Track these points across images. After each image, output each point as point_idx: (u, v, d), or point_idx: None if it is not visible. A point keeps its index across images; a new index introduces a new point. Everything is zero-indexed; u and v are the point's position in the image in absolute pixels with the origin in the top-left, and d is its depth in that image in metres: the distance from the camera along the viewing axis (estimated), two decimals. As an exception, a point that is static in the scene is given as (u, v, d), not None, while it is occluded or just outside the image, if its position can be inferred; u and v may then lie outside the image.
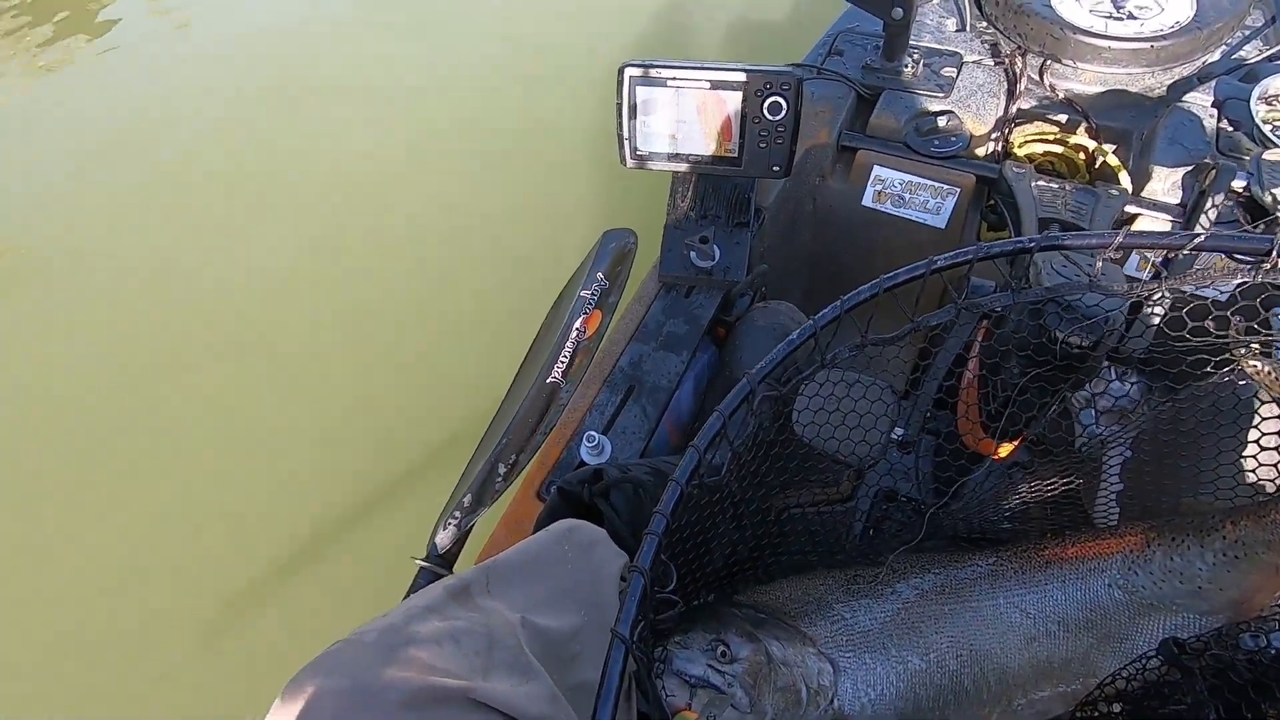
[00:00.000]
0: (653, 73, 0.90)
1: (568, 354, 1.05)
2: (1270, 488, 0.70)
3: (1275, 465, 0.68)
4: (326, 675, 0.38)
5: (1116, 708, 0.75)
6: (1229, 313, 0.67)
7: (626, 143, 0.96)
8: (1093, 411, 0.97)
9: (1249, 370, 0.68)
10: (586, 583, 0.57)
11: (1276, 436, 0.67)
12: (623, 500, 0.65)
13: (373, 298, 1.80)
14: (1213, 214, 0.84)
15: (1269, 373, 0.62)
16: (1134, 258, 1.07)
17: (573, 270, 1.21)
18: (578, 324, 1.07)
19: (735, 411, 0.67)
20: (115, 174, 2.22)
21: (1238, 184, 0.82)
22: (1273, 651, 0.63)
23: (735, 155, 0.95)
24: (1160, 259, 0.90)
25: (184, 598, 1.42)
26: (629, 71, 0.91)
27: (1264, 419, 0.69)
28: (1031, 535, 0.87)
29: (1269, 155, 0.78)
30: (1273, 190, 0.74)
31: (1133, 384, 0.92)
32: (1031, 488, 0.97)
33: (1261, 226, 0.75)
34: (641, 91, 0.92)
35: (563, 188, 1.84)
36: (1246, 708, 0.61)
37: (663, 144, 0.96)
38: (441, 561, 0.88)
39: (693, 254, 0.98)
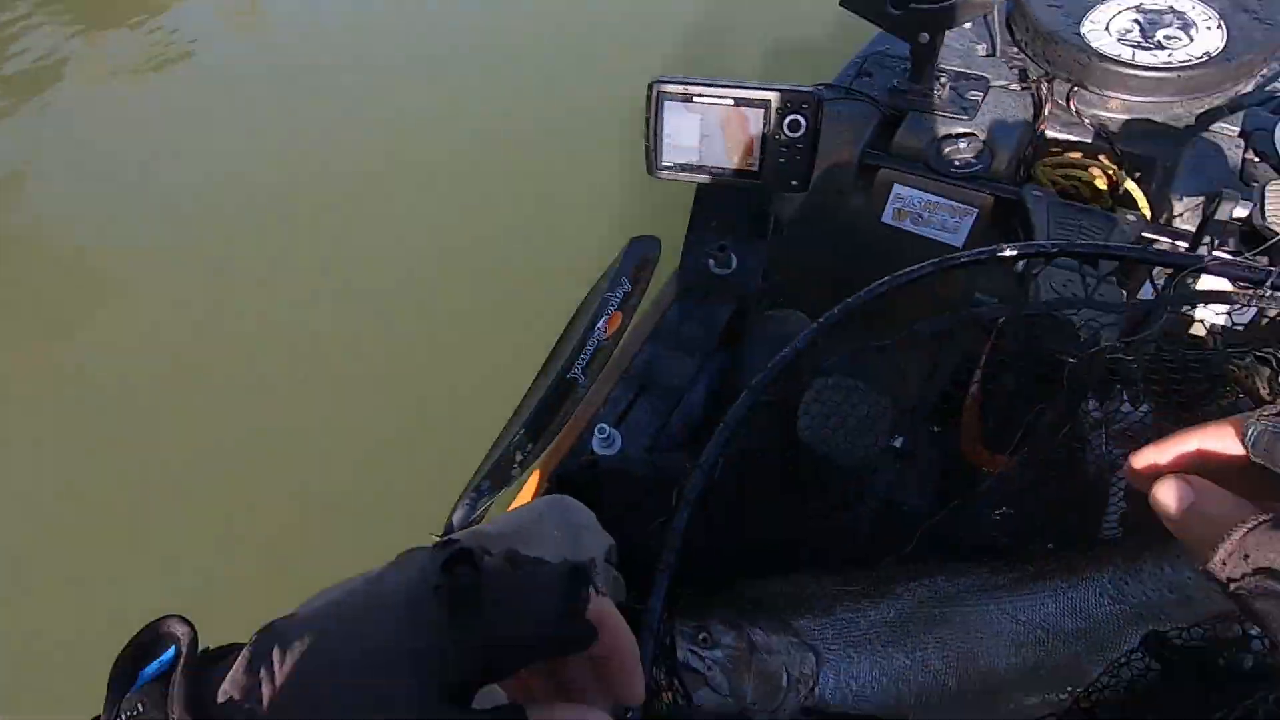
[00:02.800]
0: (681, 89, 0.96)
1: (589, 352, 1.11)
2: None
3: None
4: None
5: (1102, 710, 0.77)
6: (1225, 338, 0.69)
7: (653, 154, 1.02)
8: (1103, 433, 0.99)
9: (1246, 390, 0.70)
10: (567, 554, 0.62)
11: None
12: (617, 490, 0.70)
13: (412, 303, 1.88)
14: (1215, 241, 0.86)
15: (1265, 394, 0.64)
16: (1147, 285, 1.08)
17: (598, 275, 1.28)
18: (600, 324, 1.13)
19: (741, 422, 0.71)
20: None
21: (1240, 212, 0.84)
22: (1250, 658, 0.65)
23: (756, 169, 1.00)
24: (1163, 281, 0.92)
25: (216, 588, 1.50)
26: (659, 87, 0.96)
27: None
28: (1031, 549, 0.89)
29: (1274, 184, 0.79)
30: (1272, 218, 0.75)
31: (1145, 410, 0.94)
32: (1035, 505, 0.99)
33: (1257, 254, 0.77)
34: (669, 106, 0.98)
35: (592, 197, 1.91)
36: (1227, 700, 0.63)
37: (687, 156, 1.02)
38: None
39: (711, 262, 1.03)
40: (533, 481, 0.90)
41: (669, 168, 1.03)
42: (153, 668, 0.26)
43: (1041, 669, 0.80)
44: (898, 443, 0.88)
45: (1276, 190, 0.77)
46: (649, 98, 0.97)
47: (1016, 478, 0.97)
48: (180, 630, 0.27)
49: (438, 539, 0.89)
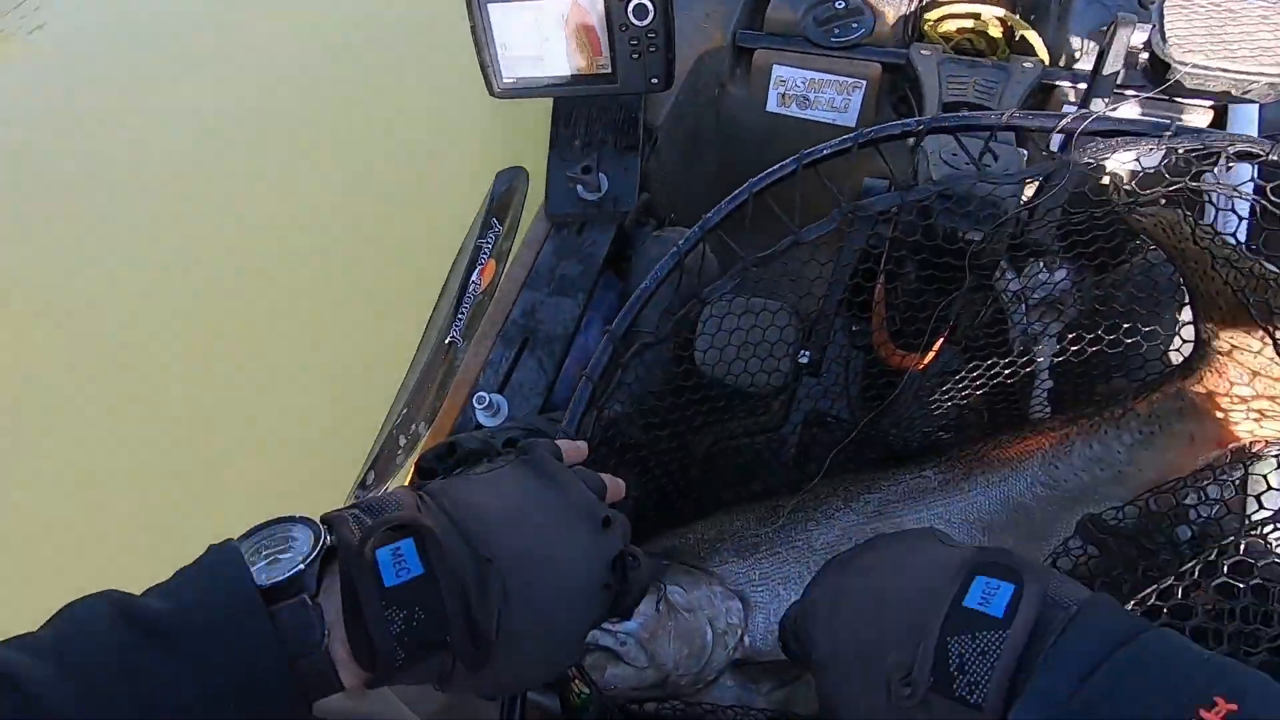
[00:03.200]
0: (501, -14, 0.81)
1: (465, 310, 0.99)
2: (1177, 358, 0.66)
3: (1181, 336, 0.64)
4: None
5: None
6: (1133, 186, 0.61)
7: (490, 69, 0.87)
8: (1023, 307, 0.92)
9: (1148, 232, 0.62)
10: None
11: (1187, 307, 0.63)
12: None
13: (261, 287, 1.67)
14: (1116, 76, 0.77)
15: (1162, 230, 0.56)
16: (1056, 136, 1.00)
17: (470, 220, 1.14)
18: (474, 277, 1.01)
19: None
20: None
21: (1139, 38, 0.75)
22: (1185, 529, 0.61)
23: (609, 70, 0.86)
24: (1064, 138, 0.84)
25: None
26: (475, -12, 0.81)
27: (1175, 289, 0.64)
28: (969, 442, 0.83)
29: (1170, 2, 0.70)
30: (1174, 43, 0.66)
31: (1062, 276, 0.87)
32: (965, 392, 0.94)
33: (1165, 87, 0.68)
34: (495, 10, 0.83)
35: (449, 134, 1.69)
36: (1159, 574, 0.59)
37: (529, 66, 0.87)
38: (345, 544, 0.85)
39: (579, 187, 0.91)
40: (410, 476, 0.80)
41: (511, 84, 0.89)
42: None
43: (980, 568, 0.76)
44: (804, 358, 0.80)
45: (1175, 7, 0.68)
46: (468, 2, 0.82)
47: (935, 373, 0.91)
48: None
49: None
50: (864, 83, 1.00)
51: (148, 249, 1.82)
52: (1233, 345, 0.58)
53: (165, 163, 1.98)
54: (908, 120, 0.56)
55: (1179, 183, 0.55)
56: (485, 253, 1.02)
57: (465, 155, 1.64)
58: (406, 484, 0.84)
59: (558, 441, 0.45)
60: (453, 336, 0.96)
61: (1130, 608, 0.49)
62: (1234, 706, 0.24)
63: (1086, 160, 0.57)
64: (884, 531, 0.79)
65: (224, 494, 1.41)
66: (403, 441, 0.90)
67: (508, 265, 0.95)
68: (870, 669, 0.33)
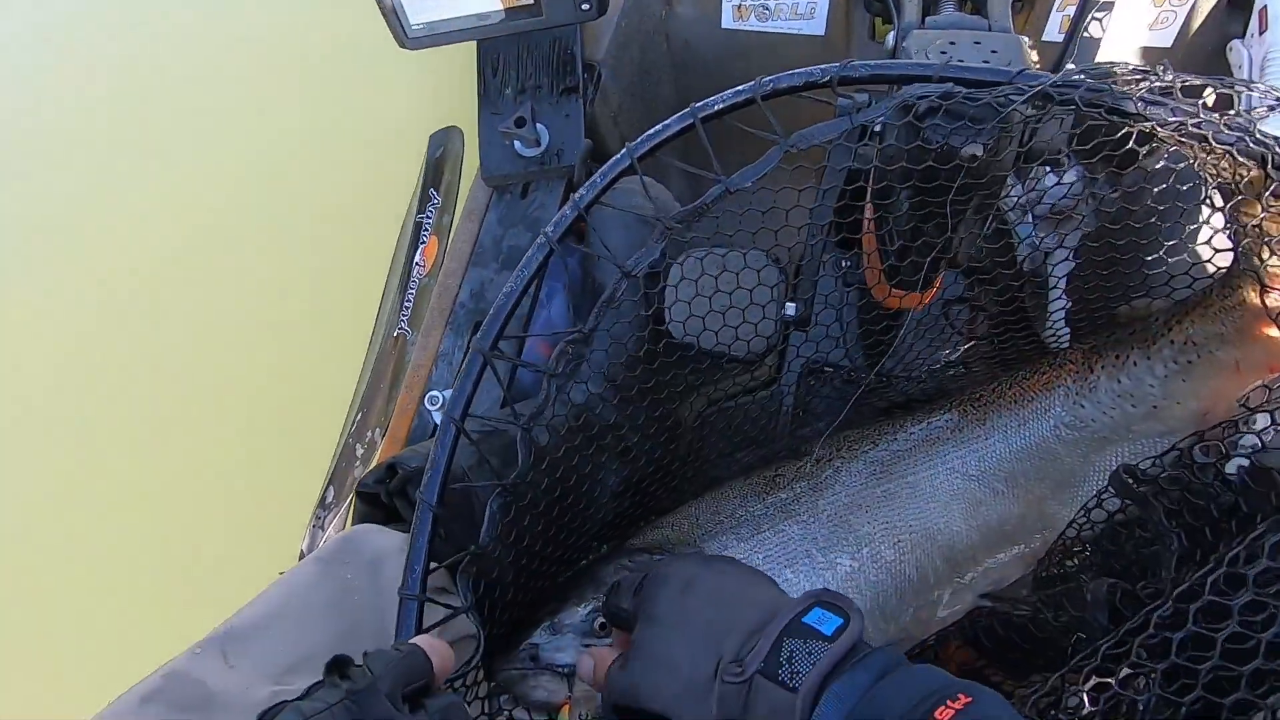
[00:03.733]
0: (390, -88, 0.68)
1: (411, 296, 0.89)
2: (1210, 269, 0.57)
3: (1215, 245, 0.54)
4: None
5: (1078, 559, 0.67)
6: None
7: (396, 17, 0.75)
8: (1030, 218, 0.81)
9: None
10: (371, 612, 0.45)
11: (1220, 212, 0.53)
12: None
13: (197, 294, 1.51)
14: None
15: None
16: (1055, 17, 0.87)
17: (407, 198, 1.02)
18: (417, 258, 0.91)
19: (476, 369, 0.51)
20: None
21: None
22: (1237, 462, 0.52)
23: (532, 1, 0.74)
24: (1074, 9, 0.71)
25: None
26: (357, -82, 0.68)
27: (1210, 193, 0.54)
28: (982, 383, 0.75)
29: None
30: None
31: (1072, 180, 0.76)
32: (976, 324, 0.84)
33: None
34: (387, -57, 0.70)
35: (370, 97, 1.50)
36: (1211, 531, 0.51)
37: (441, 8, 0.75)
38: (308, 571, 0.78)
39: (516, 143, 0.80)
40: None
41: (422, 30, 0.76)
42: None
43: (1007, 524, 0.68)
44: (790, 311, 0.70)
45: None
46: (353, -63, 0.69)
47: (938, 304, 0.81)
48: None
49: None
50: (832, -17, 0.87)
51: (70, 235, 1.67)
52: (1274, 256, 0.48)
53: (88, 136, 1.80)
54: (813, 69, 0.46)
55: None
56: (426, 229, 0.91)
57: (395, 120, 1.48)
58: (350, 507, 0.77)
59: (415, 642, 0.38)
60: (400, 328, 0.87)
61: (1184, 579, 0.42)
62: (970, 699, 0.34)
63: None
64: (895, 493, 0.72)
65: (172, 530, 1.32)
66: (360, 451, 0.82)
67: (449, 241, 0.85)
68: (705, 643, 0.40)
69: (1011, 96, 0.46)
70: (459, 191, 0.89)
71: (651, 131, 0.51)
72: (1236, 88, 0.48)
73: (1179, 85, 0.44)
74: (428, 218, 0.91)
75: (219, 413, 1.37)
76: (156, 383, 1.44)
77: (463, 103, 1.03)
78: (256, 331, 1.41)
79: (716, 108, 0.51)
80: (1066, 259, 0.75)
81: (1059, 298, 0.75)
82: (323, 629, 0.45)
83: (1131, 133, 0.49)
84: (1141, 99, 0.43)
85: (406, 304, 0.86)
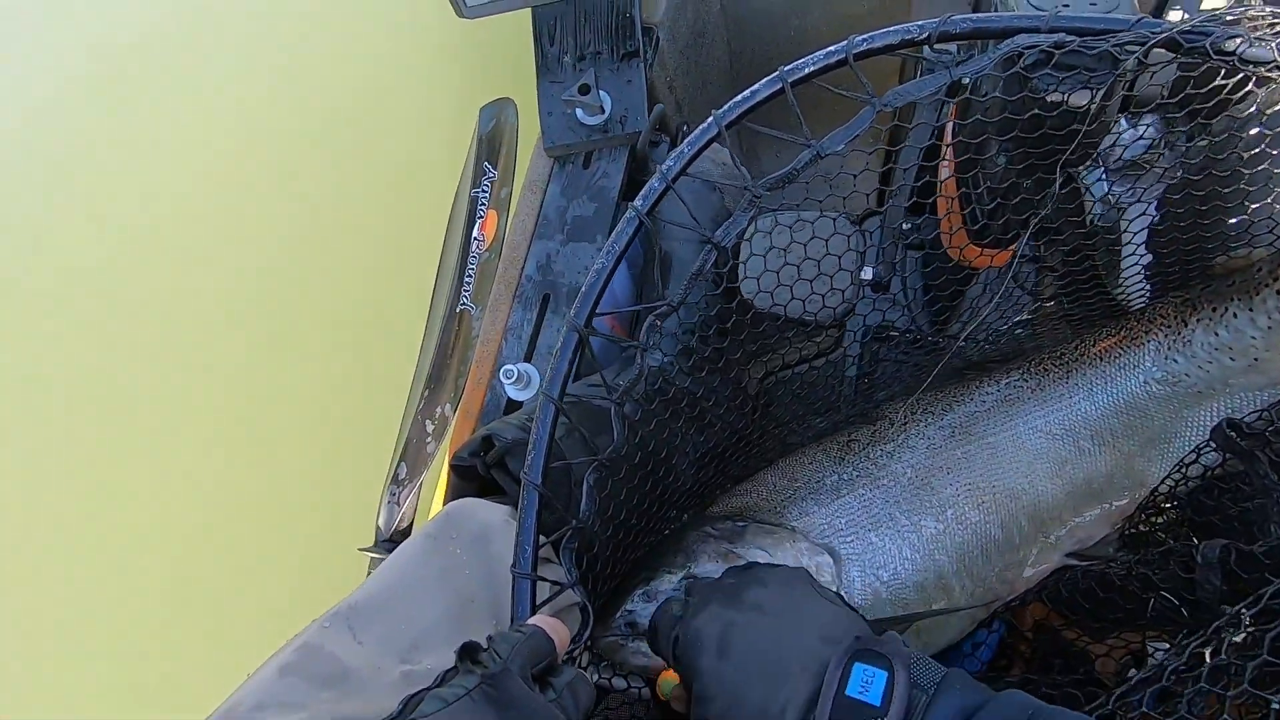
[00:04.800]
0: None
1: (472, 272, 0.88)
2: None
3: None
4: None
5: (1170, 515, 0.66)
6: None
7: (452, -13, 0.74)
8: (1102, 171, 0.79)
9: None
10: (483, 587, 0.45)
11: None
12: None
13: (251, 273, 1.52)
14: None
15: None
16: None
17: (459, 169, 1.02)
18: (475, 233, 0.90)
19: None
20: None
21: None
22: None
23: (592, -36, 0.72)
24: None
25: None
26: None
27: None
28: (1050, 344, 0.73)
29: None
30: None
31: (1148, 125, 0.73)
32: (1044, 284, 0.82)
33: None
34: (446, -91, 0.68)
35: (415, 71, 1.48)
36: None
37: (499, -25, 0.73)
38: (390, 546, 0.79)
39: (578, 111, 0.79)
40: (447, 465, 0.72)
41: (481, 3, 0.75)
42: None
43: (1094, 482, 0.67)
44: (868, 274, 0.69)
45: None
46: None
47: (1018, 267, 0.80)
48: None
49: (370, 553, 0.72)
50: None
51: (127, 243, 1.69)
52: None
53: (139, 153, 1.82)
54: (909, 25, 0.44)
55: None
56: (483, 204, 0.90)
57: (441, 93, 1.46)
58: (444, 481, 0.77)
59: (535, 623, 0.39)
60: (464, 304, 0.87)
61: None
62: None
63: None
64: (976, 455, 0.71)
65: (243, 506, 1.35)
66: (430, 428, 0.82)
67: (510, 215, 0.84)
68: None
69: (1130, 46, 0.44)
70: (515, 163, 0.88)
71: (740, 98, 0.49)
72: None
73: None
74: (484, 192, 0.90)
75: (277, 395, 1.39)
76: (217, 366, 1.46)
77: (510, 77, 1.02)
78: (308, 315, 1.42)
79: (807, 70, 0.49)
80: (1145, 213, 0.73)
81: (1136, 253, 0.73)
82: (439, 604, 0.45)
83: (1249, 79, 0.47)
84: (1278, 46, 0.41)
85: (468, 279, 0.86)
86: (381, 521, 0.79)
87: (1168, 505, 0.64)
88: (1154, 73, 0.50)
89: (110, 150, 1.68)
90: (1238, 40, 0.44)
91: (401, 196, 1.40)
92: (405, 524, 0.80)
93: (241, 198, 1.56)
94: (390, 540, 0.77)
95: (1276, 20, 0.45)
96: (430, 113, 1.45)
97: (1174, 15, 0.66)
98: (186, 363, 1.47)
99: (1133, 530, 0.67)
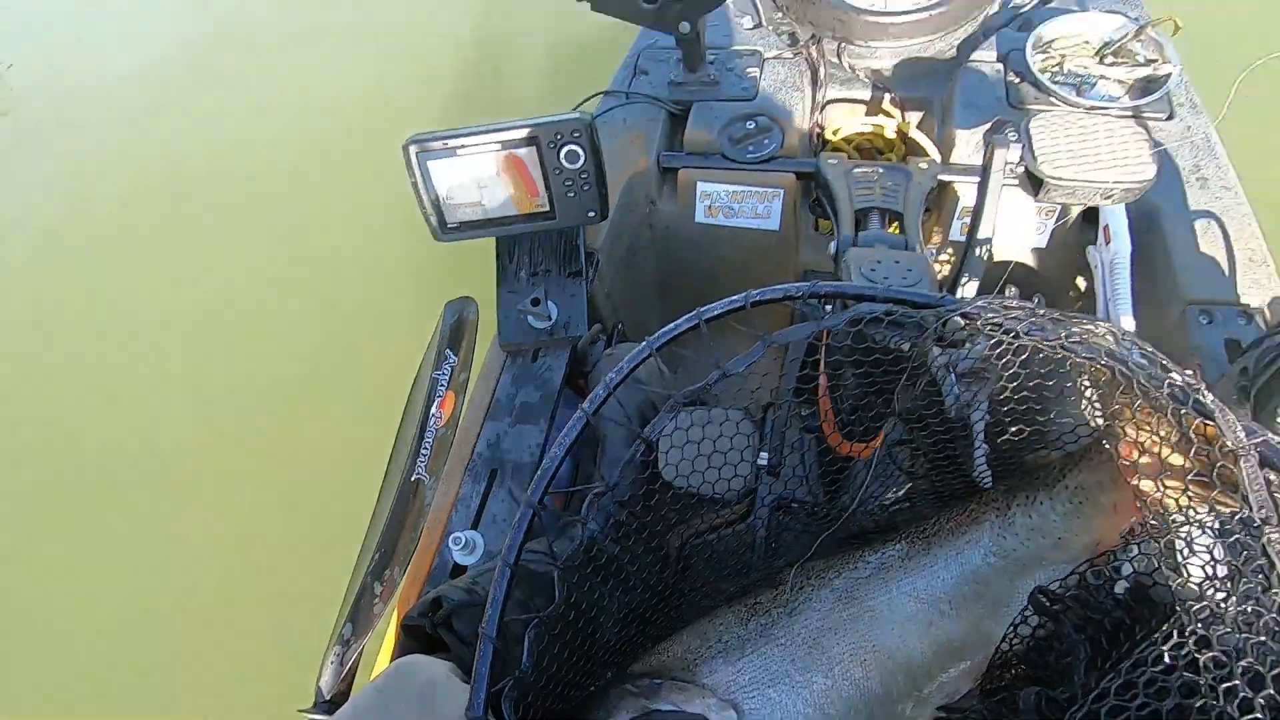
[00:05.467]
0: (439, 144, 0.87)
1: (428, 445, 1.00)
2: (1086, 432, 0.74)
3: (1089, 415, 0.71)
4: None
5: (1014, 671, 0.78)
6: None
7: (432, 219, 0.92)
8: (952, 376, 0.99)
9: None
10: None
11: (1089, 393, 0.71)
12: (469, 624, 0.61)
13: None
14: (1001, 178, 0.88)
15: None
16: (956, 223, 1.11)
17: (420, 353, 1.16)
18: (434, 410, 1.03)
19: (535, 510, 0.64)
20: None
21: (1014, 155, 0.86)
22: (1122, 583, 0.66)
23: (547, 209, 0.92)
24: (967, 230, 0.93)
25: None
26: (413, 149, 0.87)
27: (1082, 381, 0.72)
28: (924, 517, 0.89)
29: (1035, 122, 0.81)
30: (1043, 161, 0.77)
31: (981, 345, 0.95)
32: (917, 465, 0.99)
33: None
34: (434, 166, 0.88)
35: (392, 269, 1.73)
36: (1109, 640, 0.64)
37: (471, 212, 0.93)
38: (330, 707, 0.82)
39: (529, 317, 0.95)
40: (393, 626, 0.80)
41: (455, 229, 0.93)
42: None
43: (954, 641, 0.80)
44: (763, 460, 0.84)
45: (1039, 128, 0.79)
46: (407, 161, 0.87)
47: (885, 456, 0.96)
48: None
49: (309, 715, 0.76)
50: (781, 191, 1.10)
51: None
52: (1128, 421, 0.65)
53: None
54: (790, 286, 0.63)
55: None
56: (442, 385, 1.04)
57: (407, 287, 1.67)
58: (391, 639, 0.84)
59: None
60: (418, 474, 0.97)
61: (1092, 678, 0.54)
62: None
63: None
64: (859, 616, 0.83)
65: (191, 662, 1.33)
66: (378, 589, 0.89)
67: (467, 397, 0.98)
68: None
69: (930, 318, 0.64)
70: (472, 347, 1.03)
71: (666, 329, 0.66)
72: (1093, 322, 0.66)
73: (1049, 317, 0.62)
74: (444, 374, 1.03)
75: (227, 552, 1.41)
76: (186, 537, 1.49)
77: (466, 272, 1.20)
78: (265, 480, 1.49)
79: (717, 311, 0.67)
80: (981, 412, 0.93)
81: (980, 444, 0.91)
82: None
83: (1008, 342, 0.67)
84: (1026, 329, 0.60)
85: (424, 452, 0.97)
86: (324, 682, 0.83)
87: (1012, 661, 0.77)
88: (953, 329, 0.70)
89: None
90: (998, 316, 0.65)
91: (370, 373, 1.53)
92: (345, 685, 0.84)
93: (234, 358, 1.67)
94: (330, 702, 0.81)
95: (1024, 309, 0.65)
96: (400, 303, 1.64)
97: (971, 287, 0.88)
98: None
99: (989, 685, 0.79)
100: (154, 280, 1.97)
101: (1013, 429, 0.84)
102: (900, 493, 0.98)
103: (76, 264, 2.11)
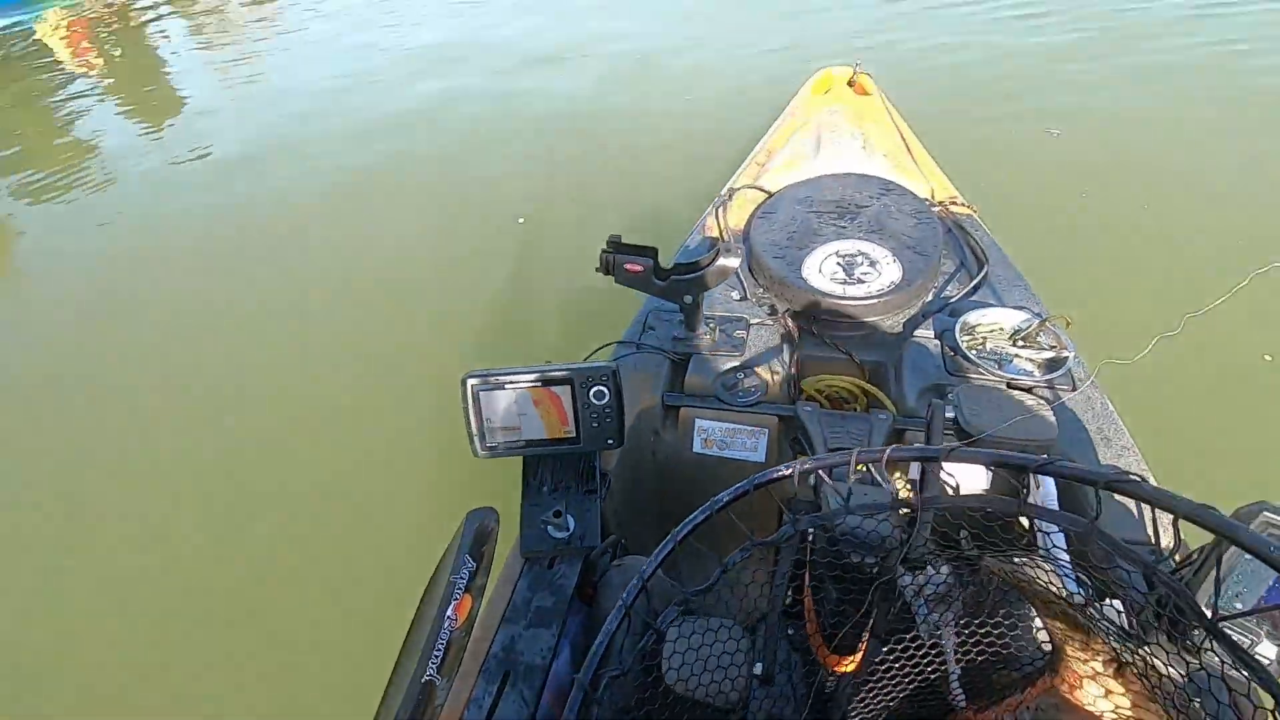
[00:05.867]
0: (491, 379, 1.06)
1: (441, 646, 1.06)
2: (1039, 654, 0.84)
3: (1039, 638, 0.83)
4: None
5: None
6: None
7: (476, 439, 1.09)
8: (921, 600, 1.10)
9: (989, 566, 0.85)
10: None
11: (1039, 619, 0.83)
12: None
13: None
14: (941, 429, 1.09)
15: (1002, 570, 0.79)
16: (913, 466, 1.30)
17: (437, 555, 1.26)
18: (449, 612, 1.10)
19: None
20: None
21: (950, 414, 1.09)
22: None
23: (574, 435, 1.10)
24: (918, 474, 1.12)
25: None
26: (470, 382, 1.06)
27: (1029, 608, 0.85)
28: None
29: (964, 389, 1.04)
30: (972, 421, 0.98)
31: (946, 572, 1.08)
32: (895, 682, 1.06)
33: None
34: (484, 396, 1.07)
35: (419, 476, 1.93)
36: None
37: (509, 435, 1.10)
38: None
39: (549, 528, 1.08)
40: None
41: (493, 447, 1.10)
42: None
43: None
44: (758, 669, 0.92)
45: (968, 393, 1.02)
46: (463, 392, 1.06)
47: (867, 669, 1.04)
48: None
49: None
50: (766, 430, 1.30)
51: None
52: (1073, 651, 0.77)
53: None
54: (782, 465, 0.79)
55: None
56: (459, 588, 1.12)
57: (429, 496, 1.82)
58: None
59: None
60: (429, 675, 1.02)
61: None
62: None
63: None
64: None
65: None
66: (382, 796, 0.90)
67: (484, 601, 1.06)
68: None
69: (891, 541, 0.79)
70: (491, 556, 1.13)
71: (693, 514, 0.79)
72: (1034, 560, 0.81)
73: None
74: (461, 578, 1.12)
75: None
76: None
77: (493, 488, 1.34)
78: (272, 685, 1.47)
79: (726, 500, 0.81)
80: (951, 633, 1.03)
81: (951, 664, 1.00)
82: None
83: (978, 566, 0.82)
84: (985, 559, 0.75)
85: (436, 652, 1.03)
86: None
87: None
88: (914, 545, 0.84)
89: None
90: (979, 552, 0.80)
91: (390, 575, 1.60)
92: None
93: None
94: None
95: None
96: (420, 511, 1.76)
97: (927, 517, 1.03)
98: None
99: None
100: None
101: (980, 651, 0.94)
102: (883, 711, 1.04)
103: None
